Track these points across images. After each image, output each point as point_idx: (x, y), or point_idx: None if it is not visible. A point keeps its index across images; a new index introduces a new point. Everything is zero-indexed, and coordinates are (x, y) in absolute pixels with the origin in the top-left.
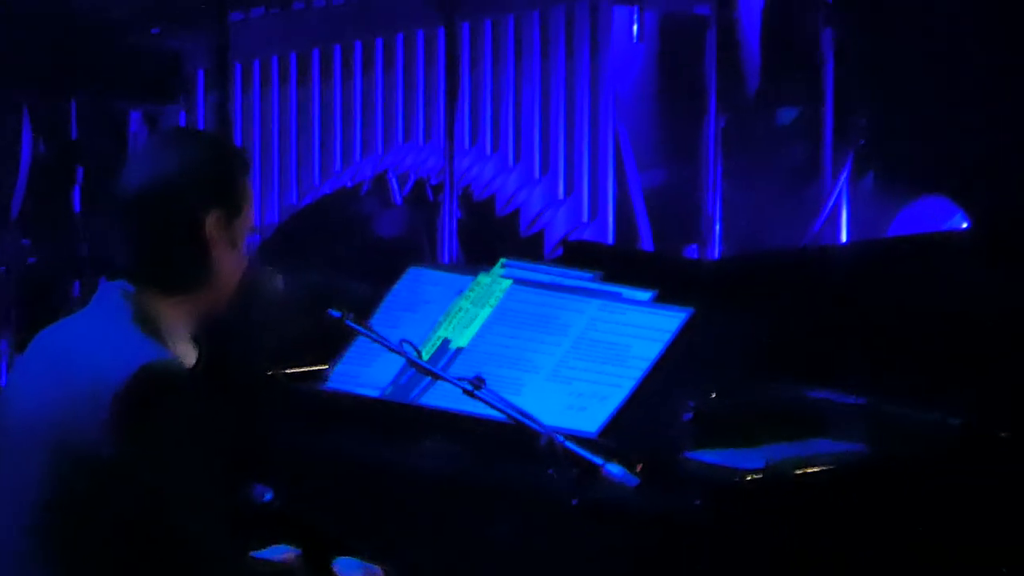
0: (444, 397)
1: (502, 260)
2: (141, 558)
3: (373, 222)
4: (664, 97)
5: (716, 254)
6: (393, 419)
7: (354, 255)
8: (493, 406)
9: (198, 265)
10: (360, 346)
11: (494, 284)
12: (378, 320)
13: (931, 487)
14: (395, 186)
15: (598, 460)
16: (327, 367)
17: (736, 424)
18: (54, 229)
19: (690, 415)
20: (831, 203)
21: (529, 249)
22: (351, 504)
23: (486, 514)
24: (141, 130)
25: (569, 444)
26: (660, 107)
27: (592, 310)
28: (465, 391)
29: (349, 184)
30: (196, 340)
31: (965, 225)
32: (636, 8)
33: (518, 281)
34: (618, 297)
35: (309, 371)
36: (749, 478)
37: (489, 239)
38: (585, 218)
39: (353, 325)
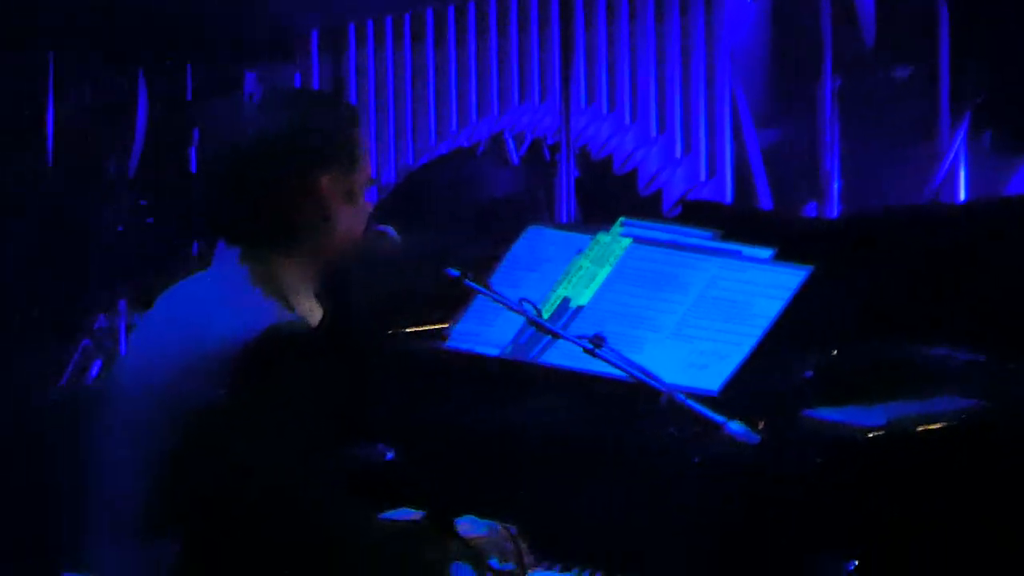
0: (564, 356)
1: (621, 219)
2: (260, 519)
3: (489, 182)
4: (780, 54)
5: (835, 212)
6: (513, 378)
7: (471, 215)
8: (614, 364)
9: (316, 224)
10: (479, 305)
11: (614, 242)
12: (497, 279)
13: None
14: (511, 146)
15: (719, 418)
16: (446, 326)
17: (857, 381)
18: (171, 190)
19: (811, 373)
20: (948, 161)
21: (647, 208)
22: (472, 463)
23: (607, 473)
24: (256, 91)
25: (690, 402)
26: (776, 65)
27: (712, 268)
28: (585, 349)
29: (465, 144)
30: (320, 298)
31: None
32: None
33: (638, 240)
34: (738, 255)
35: (429, 330)
36: (871, 435)
37: (606, 199)
38: (703, 177)
39: (472, 284)
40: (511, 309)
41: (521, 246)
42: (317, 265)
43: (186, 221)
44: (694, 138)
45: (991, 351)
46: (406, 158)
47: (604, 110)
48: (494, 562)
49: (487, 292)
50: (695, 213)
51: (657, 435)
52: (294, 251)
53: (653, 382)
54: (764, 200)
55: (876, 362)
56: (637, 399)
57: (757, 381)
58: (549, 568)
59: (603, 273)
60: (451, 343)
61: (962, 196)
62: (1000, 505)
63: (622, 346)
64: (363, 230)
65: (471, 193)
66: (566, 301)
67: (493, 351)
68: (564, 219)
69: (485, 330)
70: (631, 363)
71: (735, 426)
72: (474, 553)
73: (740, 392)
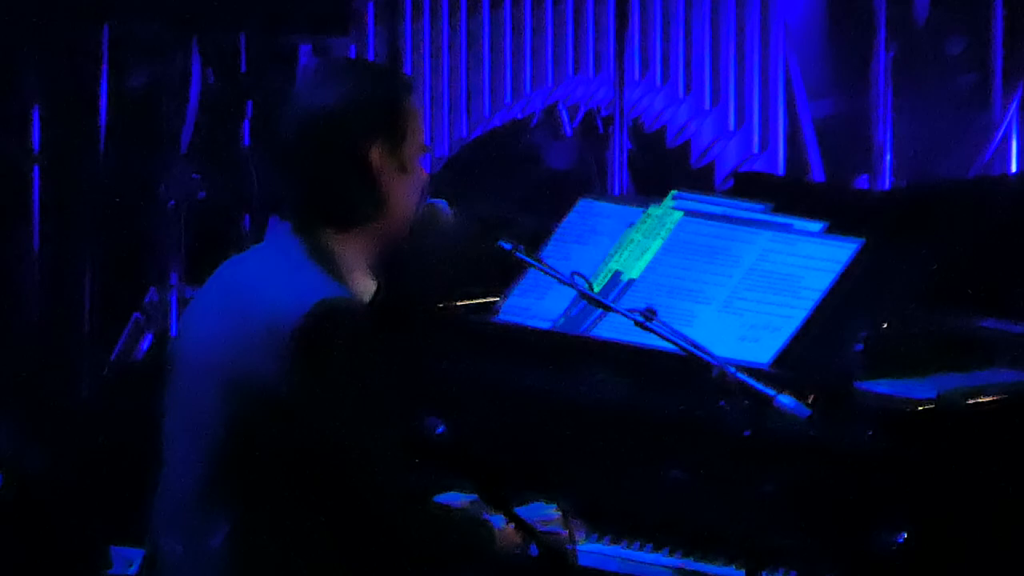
0: (615, 329)
1: (673, 192)
2: (316, 493)
3: (543, 154)
4: (833, 26)
5: (887, 185)
6: (565, 351)
7: (524, 187)
8: (665, 337)
9: (368, 196)
10: (531, 278)
11: (665, 216)
12: (549, 252)
13: None
14: (565, 118)
15: (770, 391)
16: (498, 299)
17: (907, 354)
18: (224, 164)
19: (861, 346)
20: (1001, 133)
21: (699, 181)
22: (523, 436)
23: (658, 445)
24: (310, 63)
25: (741, 375)
26: (829, 36)
27: (763, 241)
28: (637, 323)
29: (519, 116)
30: (374, 272)
31: None
32: None
33: (689, 213)
34: (789, 228)
35: (481, 303)
36: (921, 408)
37: (659, 171)
38: (755, 149)
39: (524, 257)
40: (563, 282)
41: (573, 219)
42: (373, 239)
43: (238, 195)
44: (747, 111)
45: None
46: (460, 130)
47: (658, 82)
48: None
49: (539, 265)
50: (747, 186)
51: (708, 408)
52: (347, 225)
53: (704, 355)
54: (816, 173)
55: (927, 335)
56: (688, 372)
57: (808, 354)
58: (598, 540)
59: (654, 246)
60: (502, 316)
61: (1014, 168)
62: None
63: (673, 319)
64: (419, 203)
65: (524, 165)
66: (617, 274)
67: (544, 324)
68: (616, 191)
69: (536, 303)
70: (682, 336)
71: (785, 399)
72: (525, 526)
73: (791, 365)
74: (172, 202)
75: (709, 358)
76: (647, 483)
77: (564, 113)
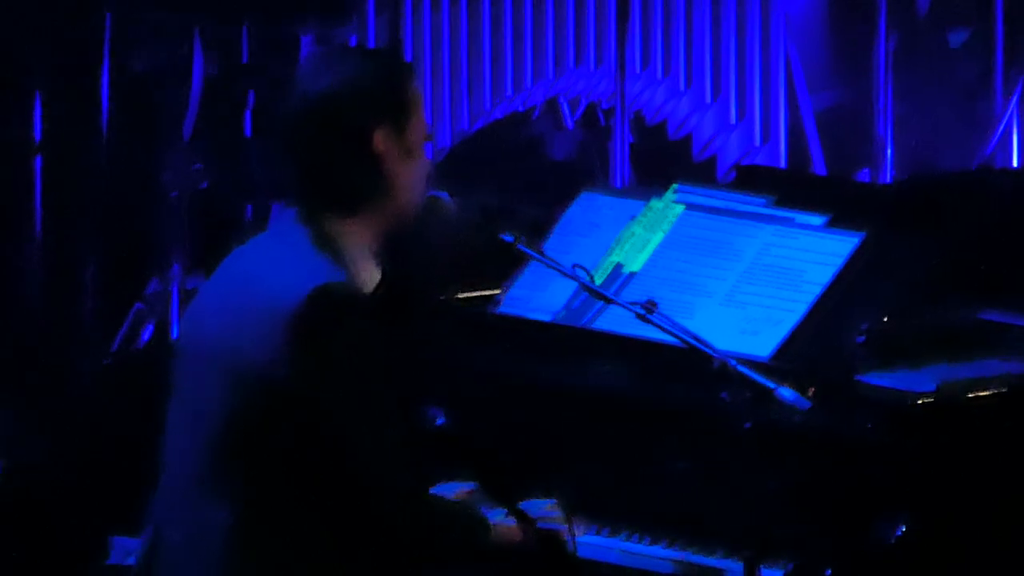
0: (616, 321)
1: (674, 185)
2: (316, 480)
3: (544, 146)
4: (834, 18)
5: (888, 177)
6: (565, 343)
7: (525, 179)
8: (666, 330)
9: (373, 181)
10: (532, 270)
11: (667, 209)
12: (550, 244)
13: None
14: (566, 110)
15: (771, 383)
16: (500, 291)
17: (908, 347)
18: (226, 153)
19: (862, 338)
20: (1003, 125)
21: (701, 174)
22: (524, 428)
23: (659, 438)
24: (313, 51)
25: (742, 368)
26: (831, 28)
27: (765, 235)
28: (638, 315)
29: (520, 108)
30: (379, 259)
31: None
32: None
33: (691, 206)
34: (791, 222)
35: (482, 295)
36: (921, 401)
37: (660, 164)
38: (757, 142)
39: (525, 249)
40: (564, 275)
41: (574, 211)
42: (378, 226)
43: (240, 185)
44: (748, 103)
45: None
46: (461, 122)
47: (659, 75)
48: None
49: (540, 257)
50: (749, 178)
51: (708, 400)
52: (351, 211)
53: (705, 348)
54: (818, 165)
55: (928, 328)
56: (689, 365)
57: (809, 347)
58: (598, 532)
59: (656, 239)
60: (504, 308)
61: (1015, 161)
62: None
63: (674, 312)
64: (423, 187)
65: (525, 157)
66: (619, 267)
67: (546, 316)
68: (618, 184)
69: (538, 295)
70: (683, 329)
71: (786, 391)
72: (525, 518)
73: (792, 358)
74: (174, 192)
75: (710, 351)
76: (647, 475)
77: (565, 106)
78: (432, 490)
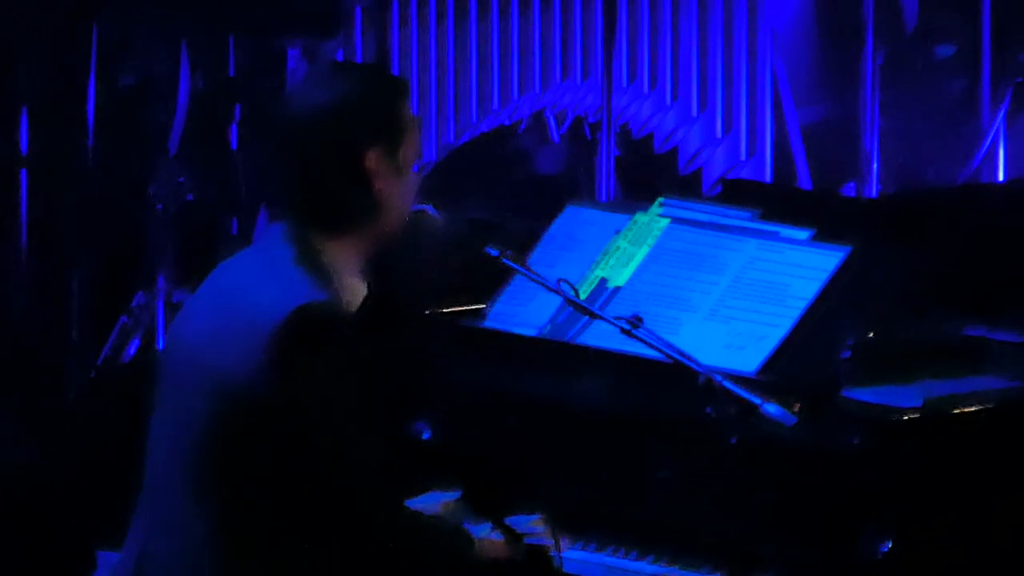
0: (601, 336)
1: (660, 199)
2: (297, 494)
3: (531, 160)
4: (821, 33)
5: (874, 192)
6: (550, 358)
7: (512, 193)
8: (651, 345)
9: (361, 199)
10: (518, 285)
11: (652, 223)
12: (536, 258)
13: None
14: (553, 124)
15: (756, 399)
16: (485, 306)
17: (894, 362)
18: (212, 167)
19: (848, 353)
20: (989, 140)
21: (687, 187)
22: (509, 442)
23: (643, 453)
24: (299, 67)
25: (727, 383)
26: (817, 43)
27: (750, 249)
28: (623, 330)
29: (507, 122)
30: (365, 274)
31: None
32: None
33: (676, 220)
34: (776, 236)
35: (467, 310)
36: (907, 416)
37: (647, 177)
38: (743, 156)
39: (511, 263)
40: (549, 289)
41: (559, 225)
42: (365, 243)
43: (226, 198)
44: (735, 117)
45: None
46: (447, 135)
47: (645, 89)
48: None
49: (525, 272)
50: (735, 192)
51: (694, 415)
52: (340, 229)
53: (690, 363)
54: (804, 180)
55: (914, 343)
56: (674, 380)
57: (794, 362)
58: (583, 547)
59: (641, 253)
60: (489, 322)
61: (1002, 175)
62: None
63: (659, 327)
64: (411, 206)
65: (512, 171)
66: (603, 281)
67: (531, 331)
68: (604, 198)
69: (523, 310)
70: (668, 344)
71: (772, 407)
72: (510, 532)
73: (777, 373)
74: (160, 205)
75: (695, 366)
76: (633, 490)
77: (552, 119)
78: (417, 500)
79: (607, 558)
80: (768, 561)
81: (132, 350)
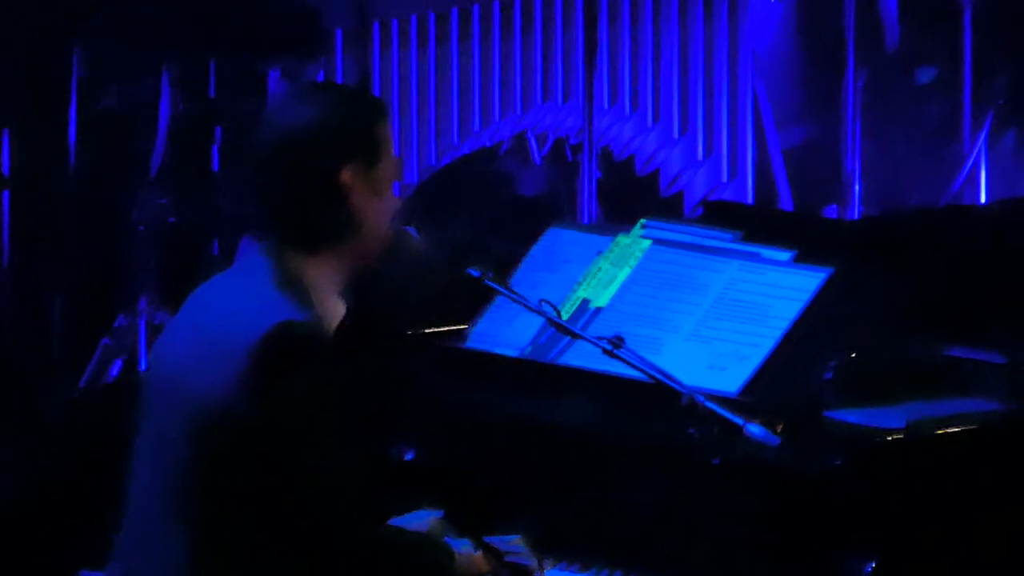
0: (583, 357)
1: (642, 220)
2: (276, 514)
3: (512, 182)
4: (802, 55)
5: (856, 214)
6: (532, 378)
7: (493, 215)
8: (633, 365)
9: (338, 218)
10: (500, 305)
11: (634, 244)
12: (518, 279)
13: None
14: (534, 146)
15: (739, 420)
16: (466, 326)
17: (877, 383)
18: (193, 188)
19: (830, 374)
20: (970, 162)
21: (668, 209)
22: (489, 462)
23: (626, 473)
24: (280, 89)
25: (710, 403)
26: (798, 66)
27: (732, 270)
28: (605, 351)
29: (488, 144)
30: (344, 296)
31: None
32: None
33: (658, 241)
34: (758, 257)
35: (449, 330)
36: (890, 438)
37: (628, 199)
38: (724, 178)
39: (493, 284)
40: (531, 310)
41: (541, 247)
42: (344, 262)
43: (208, 220)
44: (716, 139)
45: (1012, 354)
46: (429, 157)
47: (627, 111)
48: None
49: (507, 293)
50: (716, 214)
51: (676, 436)
52: (317, 247)
53: (672, 383)
54: (785, 201)
55: (896, 364)
56: (656, 400)
57: (777, 382)
58: (567, 568)
59: (623, 275)
60: (471, 343)
61: (983, 198)
62: (1019, 511)
63: (641, 347)
64: (390, 226)
65: (493, 193)
66: (585, 302)
67: (512, 352)
68: (586, 219)
69: (504, 331)
70: (650, 364)
71: (754, 428)
72: (492, 551)
73: (760, 394)
74: (141, 227)
75: (678, 386)
76: (615, 510)
77: (533, 141)
78: (400, 519)
79: None
80: None
81: (114, 372)
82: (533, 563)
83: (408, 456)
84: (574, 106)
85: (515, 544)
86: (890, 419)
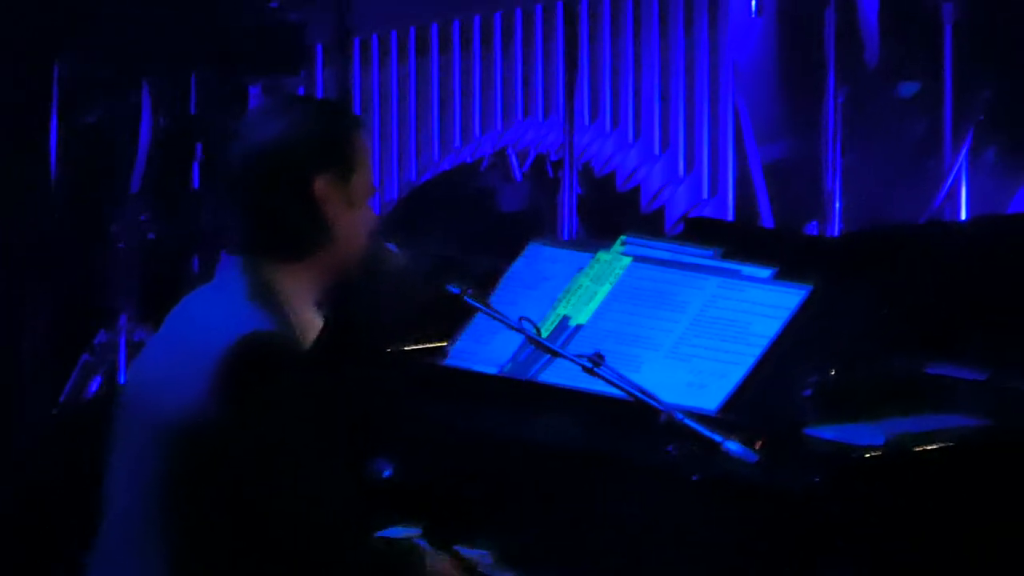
0: (563, 374)
1: (622, 237)
2: (249, 529)
3: (493, 198)
4: (783, 72)
5: (836, 231)
6: (512, 396)
7: (474, 231)
8: (612, 383)
9: (312, 229)
10: (479, 323)
11: (614, 261)
12: (498, 296)
13: None
14: (515, 162)
15: (718, 437)
16: (446, 343)
17: (856, 400)
18: (174, 205)
19: (810, 391)
20: (951, 178)
21: (649, 226)
22: (469, 480)
23: (605, 491)
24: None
25: (689, 421)
26: (779, 82)
27: (712, 287)
28: (584, 368)
29: (469, 160)
30: (322, 309)
31: None
32: None
33: (638, 258)
34: (738, 274)
35: (429, 347)
36: (869, 455)
37: (609, 215)
38: (705, 195)
39: (472, 301)
40: (511, 327)
41: (521, 264)
42: (319, 274)
43: (188, 236)
44: (697, 156)
45: (992, 370)
46: (409, 173)
47: (608, 127)
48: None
49: (487, 310)
50: (697, 230)
51: (656, 454)
52: (291, 258)
53: (652, 401)
54: (766, 218)
55: (875, 381)
56: (636, 418)
57: (756, 400)
58: None
59: (603, 292)
60: (450, 360)
61: (964, 214)
62: (1000, 526)
63: (621, 365)
64: (366, 240)
65: (474, 209)
66: (565, 319)
67: (492, 369)
68: (566, 236)
69: (484, 348)
70: (630, 382)
71: (733, 445)
72: (470, 565)
73: (739, 411)
74: (122, 243)
75: (657, 404)
76: (594, 528)
77: (514, 157)
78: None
79: None
80: None
81: (94, 388)
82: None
83: (387, 473)
84: (555, 122)
85: (486, 558)
86: (869, 436)
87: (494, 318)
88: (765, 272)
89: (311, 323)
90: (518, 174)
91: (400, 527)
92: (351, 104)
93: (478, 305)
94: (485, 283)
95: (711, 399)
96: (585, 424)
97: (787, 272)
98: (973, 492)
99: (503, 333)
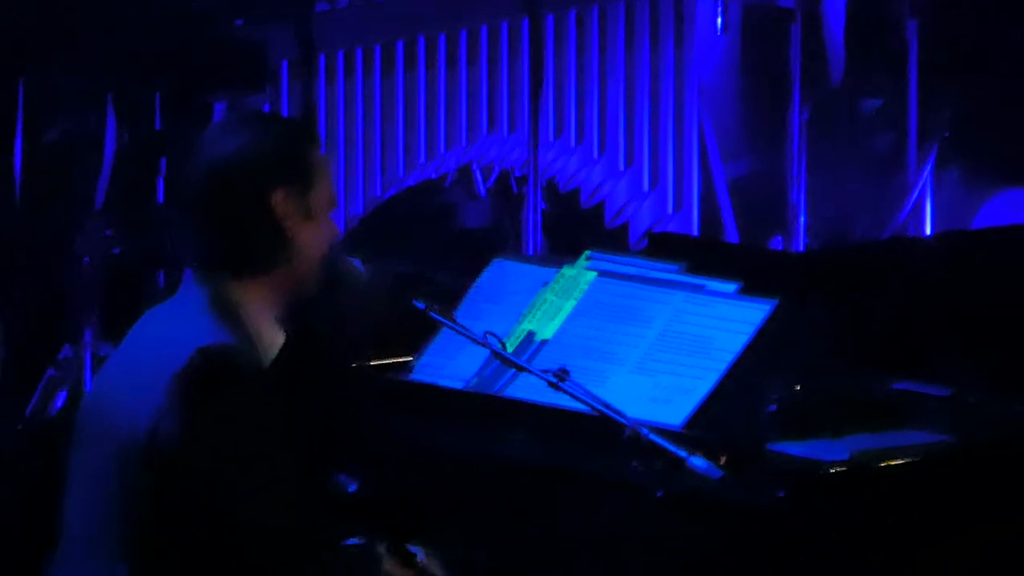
0: (528, 389)
1: (587, 252)
2: (207, 543)
3: (458, 214)
4: (748, 88)
5: (801, 246)
6: (477, 411)
7: (439, 247)
8: (577, 398)
9: (271, 242)
10: (445, 338)
11: (579, 276)
12: (463, 312)
13: (1018, 479)
14: (479, 178)
15: (682, 452)
16: (411, 358)
17: (820, 416)
18: (138, 220)
19: (774, 407)
20: (915, 194)
21: (614, 241)
22: (435, 496)
23: (571, 506)
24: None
25: (653, 436)
26: (744, 98)
27: (677, 302)
28: (549, 383)
29: (434, 176)
30: (283, 324)
31: None
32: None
33: (603, 273)
34: (703, 289)
35: (393, 362)
36: (833, 470)
37: (574, 231)
38: (670, 210)
39: (437, 317)
40: (476, 342)
41: (486, 279)
42: (279, 289)
43: (153, 252)
44: (662, 171)
45: (956, 386)
46: (374, 189)
47: (572, 143)
48: None
49: (452, 325)
50: (661, 246)
51: (620, 469)
52: (250, 272)
53: (616, 416)
54: (730, 233)
55: (840, 397)
56: (600, 433)
57: (721, 415)
58: None
59: (568, 307)
60: (415, 375)
61: (928, 230)
62: (963, 542)
63: (586, 380)
64: (326, 253)
65: (439, 225)
66: (531, 334)
67: (457, 384)
68: (531, 251)
69: (449, 363)
70: (595, 397)
71: (698, 460)
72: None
73: (704, 426)
74: (87, 258)
75: (621, 419)
76: (558, 543)
77: (478, 173)
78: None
79: None
80: None
81: (59, 403)
82: None
83: (352, 488)
84: (520, 138)
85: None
86: (833, 451)
87: (459, 333)
88: (730, 287)
89: (272, 338)
90: (482, 190)
91: (363, 538)
92: (316, 120)
93: (443, 320)
94: (450, 298)
95: (676, 414)
96: (550, 439)
97: (752, 287)
98: (937, 508)
99: (468, 348)
